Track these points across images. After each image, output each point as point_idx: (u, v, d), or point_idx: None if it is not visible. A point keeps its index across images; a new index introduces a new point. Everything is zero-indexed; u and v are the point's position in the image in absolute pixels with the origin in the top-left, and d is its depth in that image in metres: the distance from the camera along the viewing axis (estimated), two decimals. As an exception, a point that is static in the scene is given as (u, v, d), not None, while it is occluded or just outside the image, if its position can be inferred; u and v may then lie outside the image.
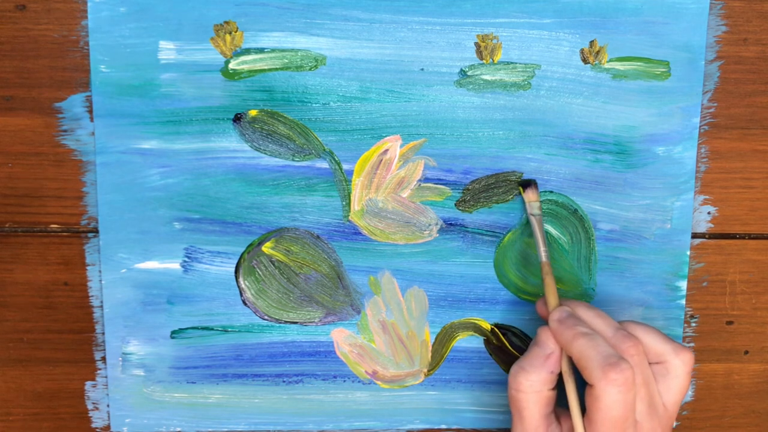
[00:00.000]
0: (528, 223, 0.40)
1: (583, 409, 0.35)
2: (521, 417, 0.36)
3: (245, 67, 0.39)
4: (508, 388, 0.36)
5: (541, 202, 0.40)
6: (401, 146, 0.40)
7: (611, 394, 0.33)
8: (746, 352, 0.43)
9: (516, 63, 0.40)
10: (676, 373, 0.36)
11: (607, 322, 0.36)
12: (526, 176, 0.40)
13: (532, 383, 0.35)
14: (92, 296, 0.41)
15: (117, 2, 0.38)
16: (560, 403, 0.37)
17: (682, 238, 0.41)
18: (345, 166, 0.40)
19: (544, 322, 0.38)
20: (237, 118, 0.39)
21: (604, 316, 0.36)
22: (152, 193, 0.40)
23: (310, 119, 0.40)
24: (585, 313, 0.37)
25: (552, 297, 0.38)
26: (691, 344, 0.43)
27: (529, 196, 0.40)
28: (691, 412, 0.44)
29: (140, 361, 0.41)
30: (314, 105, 0.39)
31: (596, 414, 0.33)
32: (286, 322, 0.41)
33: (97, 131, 0.39)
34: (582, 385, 0.35)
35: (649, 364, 0.36)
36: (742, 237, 0.42)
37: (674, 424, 0.36)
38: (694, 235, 0.42)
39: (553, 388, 0.36)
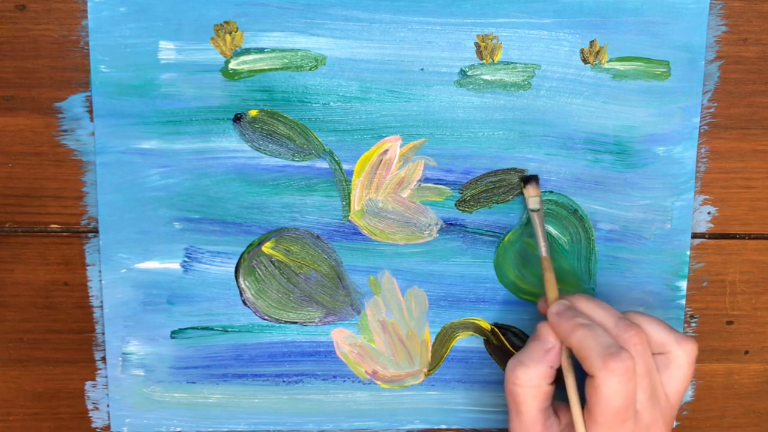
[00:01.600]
0: (528, 222, 0.40)
1: (582, 403, 0.35)
2: (519, 411, 0.35)
3: (245, 67, 0.39)
4: (505, 382, 0.36)
5: (542, 197, 0.40)
6: (401, 146, 0.40)
7: (612, 384, 0.33)
8: (746, 352, 0.43)
9: (516, 63, 0.40)
10: (678, 363, 0.35)
11: (609, 312, 0.36)
12: (528, 174, 0.40)
13: (530, 377, 0.35)
14: (92, 296, 0.41)
15: (117, 2, 0.38)
16: (558, 397, 0.37)
17: (682, 238, 0.41)
18: (345, 166, 0.40)
19: (545, 319, 0.38)
20: (237, 118, 0.39)
21: (605, 306, 0.36)
22: (152, 193, 0.40)
23: (310, 119, 0.40)
24: (585, 304, 0.36)
25: (552, 292, 0.38)
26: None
27: (530, 191, 0.40)
28: (691, 412, 0.44)
29: (140, 361, 0.41)
30: (314, 105, 0.39)
31: (596, 405, 0.33)
32: (286, 322, 0.41)
33: (97, 131, 0.39)
34: (581, 379, 0.35)
35: (652, 354, 0.35)
36: (742, 237, 0.42)
37: (676, 416, 0.36)
38: (694, 235, 0.42)
39: (552, 383, 0.36)
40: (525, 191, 0.40)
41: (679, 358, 0.35)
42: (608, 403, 0.33)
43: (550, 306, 0.37)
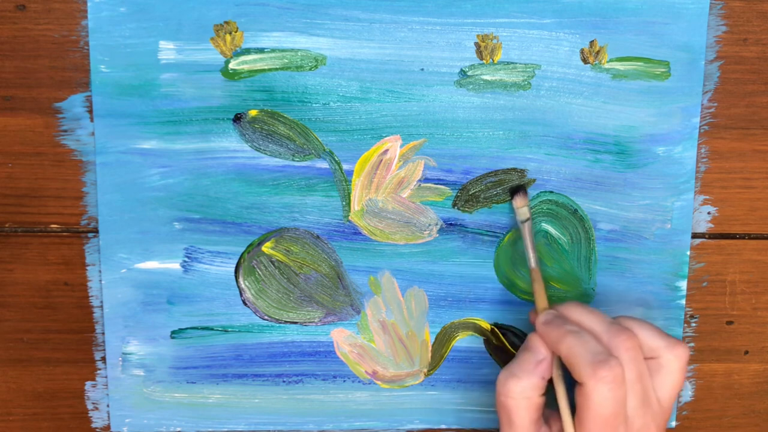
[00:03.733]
0: (526, 223, 0.40)
1: (572, 411, 0.35)
2: (511, 423, 0.35)
3: (245, 67, 0.39)
4: (496, 394, 0.35)
5: (530, 207, 0.40)
6: (401, 146, 0.40)
7: (601, 391, 0.33)
8: (746, 352, 0.43)
9: (516, 63, 0.40)
10: (669, 369, 0.35)
11: (600, 317, 0.36)
12: (528, 176, 0.40)
13: (523, 389, 0.35)
14: (92, 296, 0.41)
15: (117, 2, 0.38)
16: (548, 405, 0.37)
17: (682, 238, 0.41)
18: (345, 166, 0.40)
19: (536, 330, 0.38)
20: (237, 118, 0.39)
21: (596, 312, 0.36)
22: (152, 193, 0.40)
23: (310, 119, 0.40)
24: (574, 311, 0.36)
25: (541, 302, 0.38)
26: (691, 344, 0.43)
27: (517, 202, 0.39)
28: (691, 412, 0.44)
29: (140, 361, 0.41)
30: (314, 105, 0.39)
31: (586, 412, 0.33)
32: (286, 322, 0.41)
33: (97, 131, 0.39)
34: (570, 385, 0.35)
35: (644, 359, 0.35)
36: (742, 237, 0.42)
37: (668, 420, 0.36)
38: (694, 235, 0.42)
39: (543, 394, 0.36)
40: (513, 202, 0.40)
41: (671, 363, 0.35)
42: (598, 410, 0.33)
43: (538, 316, 0.37)
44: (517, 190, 0.40)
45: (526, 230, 0.39)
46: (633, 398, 0.34)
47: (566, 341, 0.34)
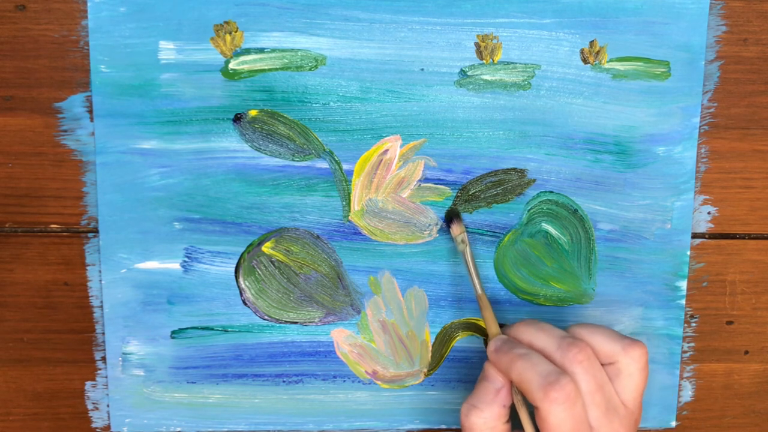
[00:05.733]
0: (529, 222, 0.40)
1: None
2: None
3: (245, 67, 0.39)
4: (461, 427, 0.35)
5: (466, 233, 0.40)
6: (401, 146, 0.40)
7: (556, 413, 0.32)
8: (746, 352, 0.43)
9: (516, 63, 0.40)
10: (628, 372, 0.35)
11: (551, 333, 0.35)
12: (528, 176, 0.40)
13: (485, 420, 0.35)
14: (92, 296, 0.41)
15: (117, 2, 0.38)
16: (516, 426, 0.37)
17: (682, 238, 0.41)
18: (345, 166, 0.40)
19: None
20: (237, 118, 0.39)
21: (547, 328, 0.35)
22: (152, 193, 0.40)
23: (310, 119, 0.40)
24: (525, 332, 0.36)
25: (491, 328, 0.37)
26: (691, 344, 0.43)
27: (454, 230, 0.39)
28: (691, 412, 0.44)
29: (140, 361, 0.41)
30: (314, 105, 0.39)
31: None
32: (286, 322, 0.41)
33: (97, 131, 0.39)
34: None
35: (602, 365, 0.35)
36: (742, 237, 0.42)
37: (639, 420, 0.35)
38: (694, 235, 0.42)
39: (507, 421, 0.35)
40: (450, 230, 0.40)
41: (629, 366, 0.35)
42: (557, 431, 0.32)
43: (489, 343, 0.36)
44: (452, 217, 0.40)
45: (467, 256, 0.39)
46: (594, 409, 0.33)
47: (516, 367, 0.34)
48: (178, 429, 0.42)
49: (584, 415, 0.33)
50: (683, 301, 0.42)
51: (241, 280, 0.41)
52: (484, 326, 0.42)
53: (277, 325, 0.41)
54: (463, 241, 0.39)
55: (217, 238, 0.40)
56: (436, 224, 0.41)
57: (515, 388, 0.35)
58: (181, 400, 0.42)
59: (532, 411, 0.35)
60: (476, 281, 0.39)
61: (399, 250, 0.41)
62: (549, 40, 0.39)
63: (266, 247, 0.40)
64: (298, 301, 0.41)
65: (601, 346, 0.35)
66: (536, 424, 0.34)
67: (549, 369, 0.33)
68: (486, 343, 0.38)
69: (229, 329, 0.41)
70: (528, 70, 0.40)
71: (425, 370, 0.42)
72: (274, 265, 0.41)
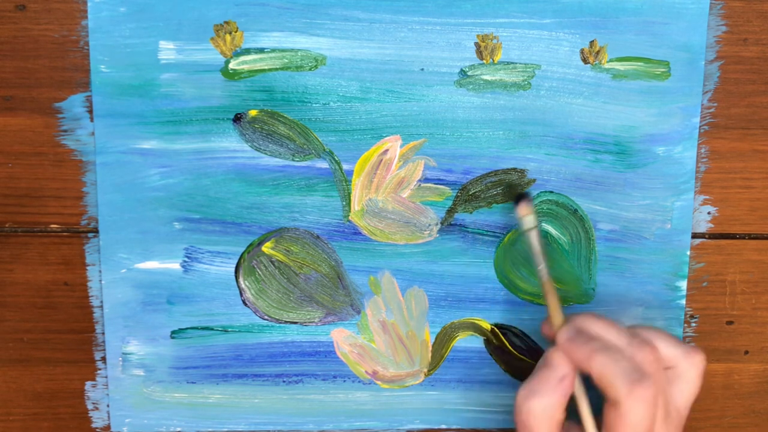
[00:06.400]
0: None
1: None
2: None
3: (245, 67, 0.39)
4: (516, 412, 0.34)
5: (535, 214, 0.38)
6: (401, 146, 0.40)
7: (638, 410, 0.32)
8: (746, 352, 0.43)
9: (516, 63, 0.40)
10: (687, 377, 0.35)
11: (619, 331, 0.35)
12: (528, 176, 0.40)
13: (545, 408, 0.34)
14: (92, 296, 0.41)
15: (117, 2, 0.38)
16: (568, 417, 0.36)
17: (682, 238, 0.41)
18: (345, 166, 0.40)
19: (545, 332, 0.37)
20: (237, 118, 0.39)
21: (614, 324, 0.35)
22: (152, 193, 0.40)
23: (310, 119, 0.40)
24: (594, 325, 0.35)
25: (556, 317, 0.36)
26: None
27: (521, 210, 0.37)
28: (691, 412, 0.43)
29: (140, 361, 0.41)
30: (314, 105, 0.39)
31: (619, 430, 0.32)
32: (286, 322, 0.41)
33: (97, 131, 0.39)
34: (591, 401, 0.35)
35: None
36: (742, 237, 0.42)
37: (684, 427, 0.36)
38: (694, 235, 0.42)
39: (564, 411, 0.35)
40: (517, 210, 0.37)
41: (688, 372, 0.35)
42: (633, 428, 0.32)
43: (558, 332, 0.35)
44: (521, 197, 0.38)
45: (534, 239, 0.37)
46: (658, 411, 0.33)
47: (597, 359, 0.33)
48: (178, 429, 0.42)
49: (655, 417, 0.33)
50: (683, 301, 0.42)
51: (241, 280, 0.41)
52: (483, 326, 0.42)
53: (277, 325, 0.41)
54: (531, 223, 0.37)
55: (217, 238, 0.40)
56: (436, 224, 0.41)
57: (578, 379, 0.35)
58: (181, 400, 0.42)
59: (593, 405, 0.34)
60: (542, 266, 0.37)
61: (399, 250, 0.41)
62: (549, 40, 0.39)
63: (266, 247, 0.40)
64: (298, 301, 0.41)
65: (665, 349, 0.35)
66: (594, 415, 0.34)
67: (632, 366, 0.33)
68: (544, 327, 0.37)
69: (229, 329, 0.41)
70: (528, 70, 0.40)
71: (425, 370, 0.42)
72: (274, 265, 0.41)
